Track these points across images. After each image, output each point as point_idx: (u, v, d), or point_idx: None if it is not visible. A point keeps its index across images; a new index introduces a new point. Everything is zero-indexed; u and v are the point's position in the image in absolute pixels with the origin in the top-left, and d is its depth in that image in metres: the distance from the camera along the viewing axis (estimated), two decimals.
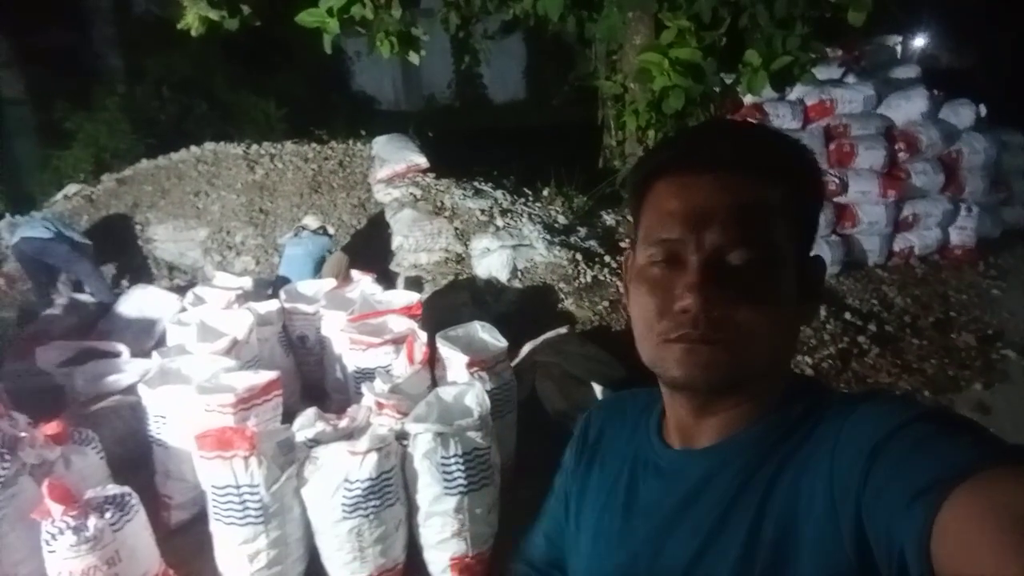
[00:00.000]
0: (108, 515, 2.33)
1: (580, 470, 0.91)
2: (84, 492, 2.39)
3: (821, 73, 5.63)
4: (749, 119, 5.91)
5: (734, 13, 4.76)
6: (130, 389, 3.31)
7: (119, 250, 6.15)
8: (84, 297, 5.43)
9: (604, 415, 0.94)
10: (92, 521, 2.28)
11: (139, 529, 2.44)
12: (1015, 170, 6.55)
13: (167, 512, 3.01)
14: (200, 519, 2.72)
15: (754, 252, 0.68)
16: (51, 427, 2.67)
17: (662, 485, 0.78)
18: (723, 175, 0.69)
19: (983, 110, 6.22)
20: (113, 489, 2.46)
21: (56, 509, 2.25)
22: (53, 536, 2.26)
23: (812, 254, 0.75)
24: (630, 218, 0.82)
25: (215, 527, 2.56)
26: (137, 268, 6.24)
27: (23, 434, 2.63)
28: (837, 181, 5.65)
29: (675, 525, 0.74)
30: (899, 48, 7.16)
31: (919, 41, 9.66)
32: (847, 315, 4.84)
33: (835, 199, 5.71)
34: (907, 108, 5.96)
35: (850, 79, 6.21)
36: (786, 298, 0.70)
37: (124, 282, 5.94)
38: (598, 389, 3.46)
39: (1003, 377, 4.26)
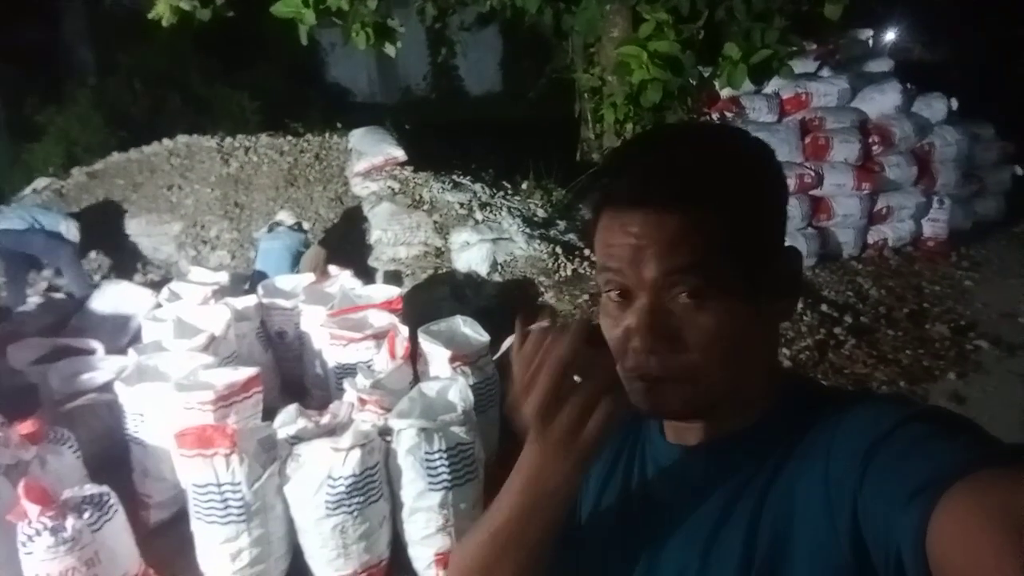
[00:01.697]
0: (86, 515, 2.29)
1: None
2: (61, 492, 2.35)
3: (796, 67, 5.67)
4: (725, 112, 5.96)
5: (712, 6, 4.78)
6: (106, 387, 3.26)
7: (92, 245, 6.04)
8: (58, 295, 5.33)
9: None
10: (70, 522, 2.24)
11: (118, 529, 2.41)
12: (986, 163, 6.66)
13: (146, 512, 2.97)
14: (180, 518, 2.69)
15: (692, 282, 0.67)
16: (26, 427, 2.62)
17: (661, 481, 0.78)
18: (651, 211, 0.68)
19: (955, 103, 6.31)
20: (91, 489, 2.42)
21: (33, 510, 2.21)
22: (30, 538, 2.22)
23: (784, 247, 0.74)
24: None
25: (196, 526, 2.53)
26: (113, 263, 6.14)
27: None
28: (812, 174, 5.70)
29: (676, 524, 0.74)
30: (871, 41, 7.22)
31: (891, 34, 9.75)
32: (823, 307, 4.90)
33: (810, 192, 5.76)
34: (881, 101, 6.03)
35: (825, 72, 6.27)
36: (739, 316, 0.69)
37: (99, 277, 5.84)
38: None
39: (977, 367, 4.34)
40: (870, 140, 5.85)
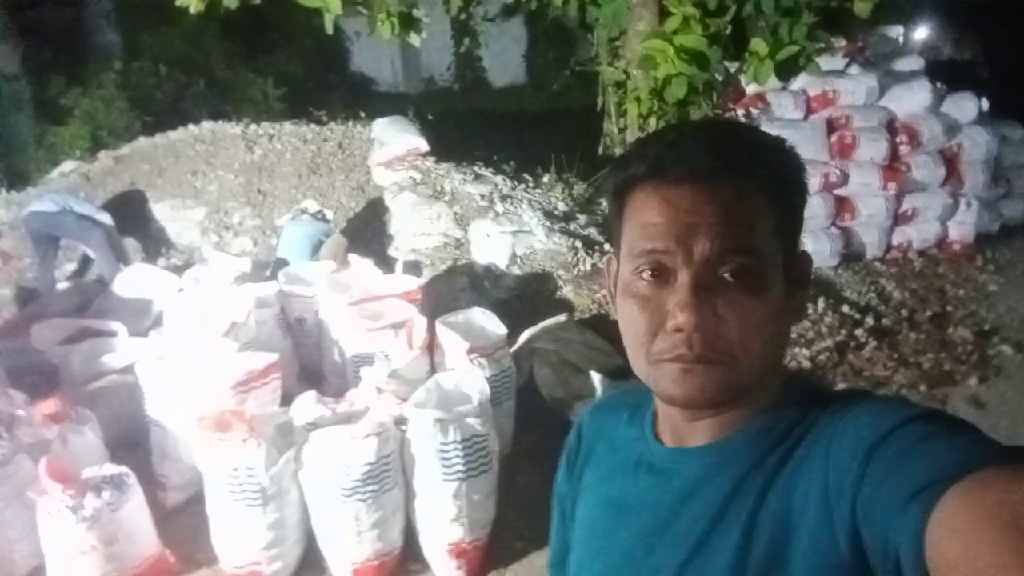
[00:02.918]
0: (106, 495, 2.33)
1: (574, 477, 0.91)
2: (81, 472, 2.39)
3: (824, 64, 5.60)
4: (751, 109, 5.90)
5: (739, 1, 4.73)
6: (127, 369, 3.30)
7: (119, 229, 6.11)
8: (88, 278, 5.40)
9: (595, 417, 0.93)
10: (90, 500, 2.28)
11: (136, 509, 2.45)
12: (1015, 165, 6.55)
13: (164, 493, 3.01)
14: (197, 500, 2.72)
15: (743, 262, 0.67)
16: (48, 406, 2.66)
17: (656, 483, 0.77)
18: (703, 185, 0.68)
19: (985, 103, 6.20)
20: (111, 469, 2.46)
21: (54, 488, 2.24)
22: (50, 515, 2.26)
23: (800, 249, 0.75)
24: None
25: (212, 509, 2.56)
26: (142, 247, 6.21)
27: (20, 413, 2.62)
28: (838, 173, 5.63)
29: (668, 525, 0.74)
30: (902, 39, 7.11)
31: (922, 33, 9.60)
32: (845, 308, 4.85)
33: (835, 191, 5.69)
34: (909, 100, 5.94)
35: (853, 70, 6.18)
36: (777, 304, 0.70)
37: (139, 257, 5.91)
38: (596, 377, 3.46)
39: (998, 372, 4.28)
40: (897, 139, 5.76)
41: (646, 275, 0.70)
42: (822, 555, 0.61)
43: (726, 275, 0.67)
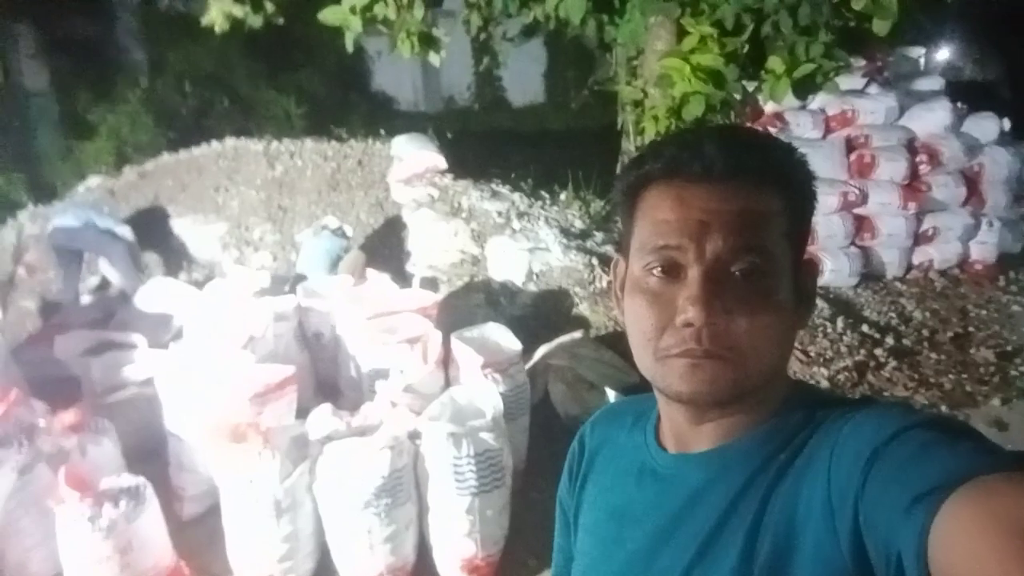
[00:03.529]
0: (122, 505, 2.35)
1: (576, 486, 0.91)
2: (99, 481, 2.41)
3: (843, 83, 5.60)
4: (769, 128, 5.89)
5: (757, 20, 4.74)
6: (147, 381, 3.34)
7: (141, 244, 6.20)
8: (111, 292, 5.48)
9: (598, 426, 0.94)
10: (107, 510, 2.30)
11: (152, 520, 2.46)
12: None
13: (180, 504, 3.03)
14: (213, 512, 2.74)
15: (754, 261, 0.68)
16: (69, 416, 2.69)
17: (659, 490, 0.78)
18: (717, 184, 0.69)
19: (1007, 124, 6.15)
20: (128, 479, 2.48)
21: (72, 496, 2.27)
22: (68, 524, 2.28)
23: (807, 258, 0.76)
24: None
25: (228, 521, 2.57)
26: (160, 261, 6.30)
27: (41, 422, 2.65)
28: (857, 192, 5.60)
29: (672, 531, 0.74)
30: (922, 60, 7.09)
31: (943, 53, 9.56)
32: (864, 327, 4.80)
33: (855, 210, 5.66)
34: (929, 120, 5.91)
35: (872, 90, 6.16)
36: (785, 306, 0.70)
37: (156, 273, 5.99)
38: (611, 394, 3.45)
39: (1021, 393, 4.21)
40: (917, 159, 5.73)
41: (656, 271, 0.71)
42: (826, 560, 0.61)
43: (737, 273, 0.68)
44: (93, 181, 7.24)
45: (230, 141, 7.23)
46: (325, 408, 2.78)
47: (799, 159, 0.74)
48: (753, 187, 0.69)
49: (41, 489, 2.47)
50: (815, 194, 0.76)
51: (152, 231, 6.34)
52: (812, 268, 0.76)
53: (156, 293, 4.60)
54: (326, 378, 3.97)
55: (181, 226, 6.49)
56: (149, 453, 3.17)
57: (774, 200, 0.70)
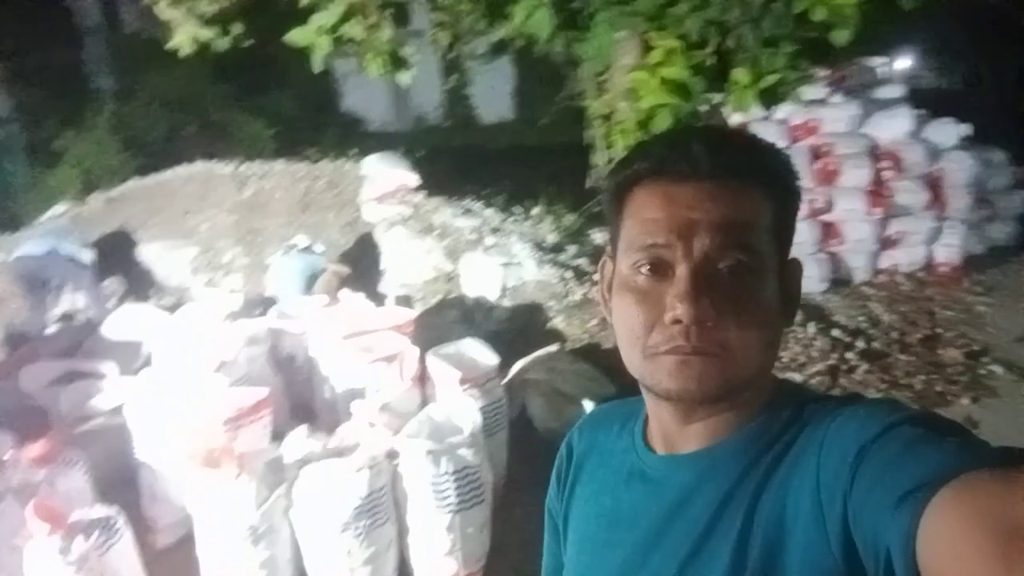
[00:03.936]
0: (94, 538, 2.30)
1: (565, 492, 0.91)
2: (70, 514, 2.36)
3: (807, 93, 5.70)
4: None
5: (722, 33, 4.81)
6: (116, 410, 3.28)
7: (109, 271, 6.11)
8: (76, 321, 5.39)
9: (585, 431, 0.93)
10: (77, 543, 2.25)
11: (125, 552, 2.41)
12: (999, 188, 6.62)
13: (153, 535, 2.97)
14: (187, 542, 2.69)
15: (741, 259, 0.69)
16: (36, 448, 2.64)
17: (648, 492, 0.77)
18: (704, 182, 0.69)
19: (967, 129, 6.29)
20: (99, 510, 2.43)
21: (41, 531, 2.21)
22: (37, 558, 2.22)
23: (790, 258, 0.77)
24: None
25: (203, 549, 2.53)
26: (128, 289, 6.20)
27: (7, 456, 2.60)
28: (823, 199, 5.69)
29: (662, 533, 0.74)
30: (884, 69, 7.23)
31: (904, 61, 9.77)
32: (835, 332, 4.86)
33: (821, 217, 5.75)
34: (891, 127, 6.03)
35: (836, 99, 6.28)
36: (772, 304, 0.71)
37: (113, 302, 5.90)
38: (588, 406, 3.45)
39: (991, 392, 4.29)
40: (881, 165, 5.83)
41: (644, 269, 0.71)
42: (816, 557, 0.62)
43: (724, 271, 0.69)
44: (59, 208, 7.13)
45: (199, 164, 7.17)
46: (300, 430, 2.75)
47: (784, 158, 0.75)
48: (739, 185, 0.70)
49: (8, 526, 2.41)
50: (800, 193, 0.77)
51: (120, 257, 6.26)
52: (797, 268, 0.77)
53: (125, 320, 4.53)
54: (301, 400, 3.92)
55: (151, 251, 6.40)
56: (121, 483, 3.10)
57: (760, 198, 0.71)
